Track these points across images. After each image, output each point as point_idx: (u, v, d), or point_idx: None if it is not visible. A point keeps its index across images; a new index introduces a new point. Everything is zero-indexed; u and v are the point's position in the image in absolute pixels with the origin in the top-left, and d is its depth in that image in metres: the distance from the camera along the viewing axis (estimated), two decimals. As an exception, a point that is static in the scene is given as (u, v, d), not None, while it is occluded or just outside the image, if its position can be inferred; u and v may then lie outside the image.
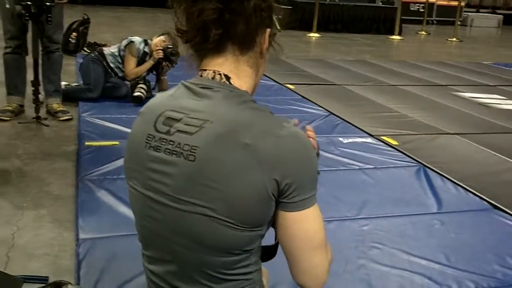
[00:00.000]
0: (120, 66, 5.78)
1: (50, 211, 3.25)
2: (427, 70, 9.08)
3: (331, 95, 6.70)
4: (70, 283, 1.96)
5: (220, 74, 1.40)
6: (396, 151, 4.62)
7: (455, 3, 16.71)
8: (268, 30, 1.45)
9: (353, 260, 2.83)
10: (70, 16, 8.50)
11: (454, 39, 14.60)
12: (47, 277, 2.42)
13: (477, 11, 21.93)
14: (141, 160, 1.42)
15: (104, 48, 5.97)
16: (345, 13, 15.30)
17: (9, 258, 2.71)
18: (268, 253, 1.56)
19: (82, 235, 2.89)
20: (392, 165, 4.27)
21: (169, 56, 5.63)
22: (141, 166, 1.42)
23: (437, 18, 19.70)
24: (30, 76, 4.96)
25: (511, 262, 2.91)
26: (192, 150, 1.32)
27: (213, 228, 1.33)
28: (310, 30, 13.75)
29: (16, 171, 3.84)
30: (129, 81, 5.79)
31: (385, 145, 4.77)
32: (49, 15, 4.61)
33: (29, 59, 4.96)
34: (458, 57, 11.25)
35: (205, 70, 1.42)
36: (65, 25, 7.54)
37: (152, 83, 5.86)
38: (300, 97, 6.48)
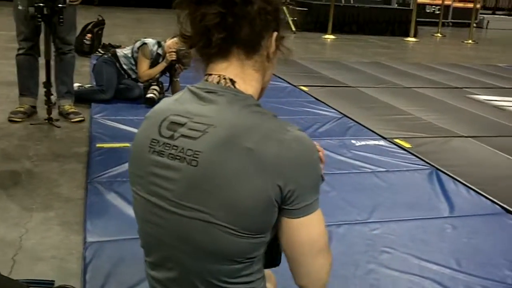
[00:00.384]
0: (133, 67, 5.77)
1: (58, 214, 3.25)
2: (442, 72, 9.01)
3: (345, 97, 6.66)
4: (74, 288, 1.95)
5: (225, 79, 1.39)
6: (409, 154, 4.57)
7: (471, 5, 16.63)
8: (275, 33, 1.42)
9: (362, 264, 2.79)
10: (86, 18, 8.56)
11: (470, 41, 14.50)
12: (53, 281, 2.41)
13: (493, 13, 21.80)
14: (145, 165, 1.41)
15: (117, 50, 5.97)
16: (360, 15, 15.24)
17: (16, 261, 2.70)
18: (271, 260, 1.54)
19: (89, 238, 2.88)
20: (404, 168, 4.23)
21: (182, 58, 5.62)
22: (145, 171, 1.41)
23: (452, 20, 19.56)
24: (42, 77, 4.96)
25: (523, 268, 2.86)
26: (195, 155, 1.31)
27: (215, 235, 1.31)
28: (325, 31, 13.73)
29: (26, 173, 3.84)
30: (142, 82, 5.79)
31: (398, 148, 4.73)
32: (61, 16, 4.62)
33: (42, 61, 4.97)
34: (473, 59, 11.15)
35: (210, 74, 1.41)
36: (80, 27, 7.61)
37: (165, 85, 5.85)
38: (314, 99, 6.45)
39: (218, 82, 1.39)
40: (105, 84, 5.66)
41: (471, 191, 3.83)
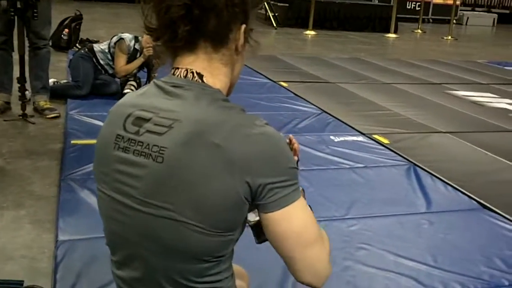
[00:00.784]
0: (110, 63, 5.71)
1: (30, 212, 3.19)
2: (422, 68, 9.03)
3: (324, 93, 6.64)
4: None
5: (192, 72, 1.34)
6: (387, 149, 4.56)
7: (451, 1, 16.68)
8: (244, 26, 1.38)
9: (339, 261, 2.76)
10: (64, 13, 8.47)
11: (450, 37, 14.56)
12: (22, 281, 2.36)
13: (473, 10, 21.94)
14: (110, 162, 1.36)
15: (94, 45, 5.90)
16: (341, 11, 15.25)
17: (-15, 260, 2.65)
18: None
19: (61, 237, 2.83)
20: (382, 164, 4.21)
21: (160, 53, 5.56)
22: (110, 168, 1.36)
23: (432, 17, 19.64)
24: (17, 73, 4.88)
25: (499, 263, 2.86)
26: (161, 151, 1.26)
27: (182, 233, 1.27)
28: (306, 27, 13.70)
29: (-2, 170, 3.78)
30: (119, 78, 5.73)
31: (376, 143, 4.72)
32: (35, 10, 4.54)
33: (16, 56, 4.89)
34: (453, 55, 11.19)
35: (177, 68, 1.36)
36: (57, 21, 7.52)
37: (143, 80, 5.79)
38: (293, 94, 6.42)
39: (185, 76, 1.34)
40: (81, 80, 5.59)
41: (449, 187, 3.82)
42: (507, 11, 22.77)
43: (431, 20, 19.55)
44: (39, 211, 3.21)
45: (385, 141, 4.77)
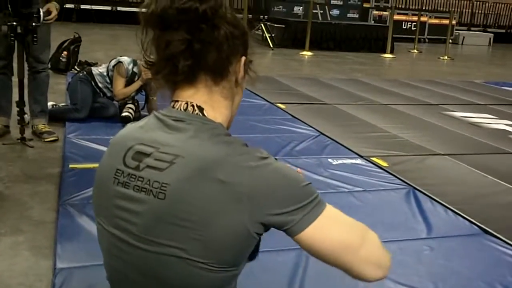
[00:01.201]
0: (109, 86, 5.71)
1: (28, 238, 3.16)
2: (419, 88, 9.06)
3: (322, 114, 6.65)
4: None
5: (193, 106, 1.33)
6: (386, 173, 4.55)
7: (447, 21, 16.79)
8: (244, 58, 1.38)
9: (338, 288, 2.74)
10: (64, 34, 8.51)
11: (446, 57, 14.64)
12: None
13: (468, 29, 22.08)
14: (109, 197, 1.34)
15: (92, 68, 5.91)
16: (337, 31, 15.34)
17: (-18, 288, 2.63)
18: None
19: (59, 264, 2.80)
20: (381, 188, 4.20)
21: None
22: (109, 202, 1.34)
23: (428, 36, 19.80)
24: (16, 96, 4.88)
25: (501, 290, 2.84)
26: (162, 188, 1.25)
27: (185, 270, 1.25)
28: (302, 48, 13.77)
29: (-3, 195, 3.76)
30: (117, 101, 5.73)
31: (375, 166, 4.71)
32: (35, 35, 4.56)
33: (15, 79, 4.89)
34: (449, 75, 11.24)
35: (177, 101, 1.35)
36: (56, 44, 7.54)
37: (141, 103, 5.79)
38: (291, 116, 6.43)
39: (185, 109, 1.33)
40: (79, 103, 5.59)
41: (449, 211, 3.80)
42: (503, 30, 22.95)
43: (427, 40, 19.70)
44: (37, 237, 3.18)
45: (384, 164, 4.76)
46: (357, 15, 18.25)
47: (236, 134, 1.37)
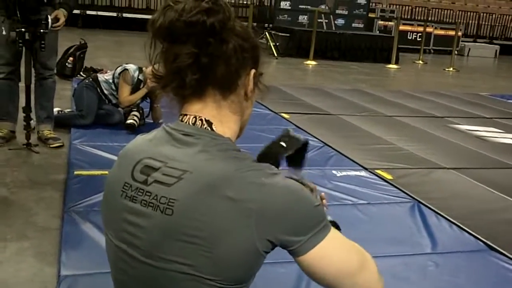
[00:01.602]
0: (114, 93, 5.73)
1: (33, 244, 3.17)
2: (424, 100, 9.05)
3: (326, 125, 6.65)
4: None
5: (201, 120, 1.33)
6: (391, 185, 4.54)
7: (453, 32, 16.79)
8: (253, 71, 1.37)
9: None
10: (69, 40, 8.53)
11: (451, 68, 14.62)
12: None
13: (474, 41, 22.05)
14: (117, 210, 1.34)
15: (98, 75, 5.93)
16: (342, 41, 15.35)
17: (-13, 295, 2.63)
18: None
19: (64, 272, 2.80)
20: (386, 201, 4.19)
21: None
22: (117, 216, 1.34)
23: (434, 47, 19.77)
24: (22, 102, 4.90)
25: (506, 308, 2.83)
26: (170, 204, 1.24)
27: (192, 287, 1.24)
28: (307, 57, 13.78)
29: (2, 200, 3.77)
30: (122, 108, 5.74)
31: (379, 179, 4.70)
32: (43, 42, 4.58)
33: (22, 85, 4.91)
34: (454, 87, 11.23)
35: (186, 115, 1.35)
36: (62, 49, 7.56)
37: (146, 111, 5.80)
38: (295, 126, 6.42)
39: (194, 123, 1.32)
40: (85, 110, 5.61)
41: (454, 226, 3.79)
42: (510, 42, 22.87)
43: (432, 51, 19.68)
44: (42, 243, 3.18)
45: (388, 176, 4.75)
46: (362, 25, 18.25)
47: (239, 144, 1.37)
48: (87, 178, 4.15)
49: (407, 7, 22.18)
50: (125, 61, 6.34)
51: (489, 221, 3.97)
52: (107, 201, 1.40)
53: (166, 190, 1.25)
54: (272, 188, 1.24)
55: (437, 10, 22.57)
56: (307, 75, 12.41)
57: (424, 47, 17.10)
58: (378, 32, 18.76)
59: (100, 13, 17.92)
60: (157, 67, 1.34)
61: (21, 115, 4.91)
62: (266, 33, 14.71)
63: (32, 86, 4.91)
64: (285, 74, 11.31)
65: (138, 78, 5.67)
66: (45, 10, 4.67)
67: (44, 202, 3.79)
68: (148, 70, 5.52)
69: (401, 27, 17.12)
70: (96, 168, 4.33)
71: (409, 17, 21.35)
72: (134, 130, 5.45)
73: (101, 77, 5.81)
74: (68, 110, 5.95)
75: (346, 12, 18.13)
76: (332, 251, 1.28)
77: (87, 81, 5.84)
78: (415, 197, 4.26)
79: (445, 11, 22.67)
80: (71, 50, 8.26)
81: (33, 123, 4.99)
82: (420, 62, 15.99)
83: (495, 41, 22.57)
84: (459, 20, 20.64)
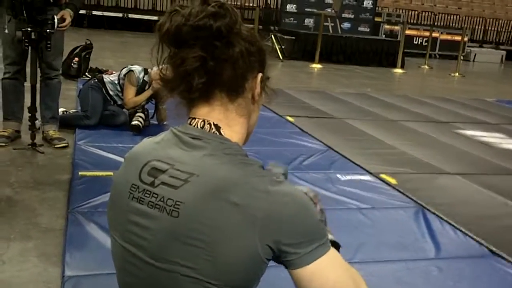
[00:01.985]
0: (119, 94, 5.74)
1: (37, 244, 3.17)
2: (429, 105, 9.04)
3: (330, 129, 6.64)
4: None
5: (210, 124, 1.33)
6: (395, 190, 4.53)
7: (459, 37, 16.78)
8: (260, 74, 1.37)
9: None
10: (75, 40, 8.55)
11: (457, 74, 14.59)
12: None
13: (480, 46, 22.01)
14: (124, 211, 1.35)
15: (104, 76, 5.94)
16: (347, 45, 15.34)
17: (-10, 295, 2.63)
18: None
19: (68, 272, 2.80)
20: (390, 206, 4.18)
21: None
22: (123, 217, 1.35)
23: (440, 52, 19.77)
24: (28, 101, 4.91)
25: (510, 316, 2.82)
26: (176, 206, 1.24)
27: None
28: (312, 60, 13.78)
29: (6, 200, 3.77)
30: (127, 109, 5.74)
31: (384, 183, 4.69)
32: (49, 42, 4.59)
33: (28, 85, 4.92)
34: (460, 92, 11.21)
35: (194, 118, 1.35)
36: (68, 49, 7.57)
37: (151, 112, 5.81)
38: (299, 130, 6.43)
39: (202, 127, 1.33)
40: (90, 110, 5.62)
41: (458, 231, 3.78)
42: (517, 48, 22.82)
43: (438, 56, 19.67)
44: (46, 244, 3.18)
45: (393, 181, 4.74)
46: (368, 29, 18.26)
47: (244, 146, 1.38)
48: (91, 179, 4.15)
49: (413, 11, 22.16)
50: (131, 62, 6.35)
51: (493, 227, 3.96)
52: (113, 203, 1.41)
53: (173, 192, 1.26)
54: (277, 196, 1.24)
55: (443, 15, 22.56)
56: (312, 78, 12.41)
57: (430, 52, 17.08)
58: (384, 36, 18.75)
59: (106, 13, 17.98)
60: (164, 70, 1.35)
61: (26, 115, 4.91)
62: (272, 36, 14.73)
63: (38, 86, 4.91)
64: (290, 77, 11.31)
65: (143, 80, 5.68)
66: (52, 10, 4.68)
67: (47, 202, 3.79)
68: (154, 72, 5.57)
69: (407, 32, 17.11)
70: (101, 169, 4.34)
71: (415, 21, 21.34)
72: (139, 131, 5.46)
73: (106, 78, 5.82)
74: (73, 110, 5.96)
75: (352, 16, 18.16)
76: (330, 270, 1.27)
77: (92, 81, 5.85)
78: (419, 202, 4.25)
79: (452, 16, 22.65)
80: (77, 51, 8.28)
81: (38, 123, 5.00)
82: (426, 67, 15.97)
83: (501, 47, 22.53)
84: (465, 25, 20.63)
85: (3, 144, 4.85)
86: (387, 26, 19.62)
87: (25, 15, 4.50)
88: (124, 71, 5.70)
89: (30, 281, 2.78)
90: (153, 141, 1.40)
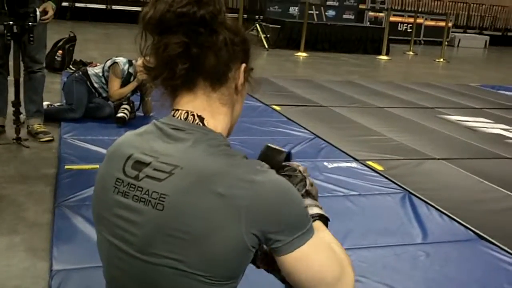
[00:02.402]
0: (104, 86, 5.71)
1: (24, 239, 3.16)
2: (414, 91, 9.07)
3: (317, 117, 6.65)
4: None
5: (193, 115, 1.32)
6: (381, 176, 4.55)
7: (443, 23, 16.81)
8: (244, 65, 1.37)
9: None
10: (58, 33, 8.49)
11: (442, 59, 14.65)
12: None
13: (465, 32, 22.11)
14: (109, 206, 1.33)
15: (88, 68, 5.90)
16: (332, 32, 15.33)
17: (-22, 291, 2.62)
18: None
19: (56, 266, 2.80)
20: (377, 192, 4.21)
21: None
22: (109, 212, 1.33)
23: (424, 38, 19.83)
24: (12, 96, 4.87)
25: (496, 297, 2.85)
26: (161, 199, 1.24)
27: (184, 282, 1.24)
28: (298, 49, 13.76)
29: (-8, 196, 3.75)
30: (112, 101, 5.72)
31: (370, 170, 4.71)
32: (31, 35, 4.54)
33: (11, 79, 4.88)
34: (445, 78, 11.26)
35: (177, 110, 1.34)
36: (51, 42, 7.52)
37: (136, 104, 5.79)
38: (286, 119, 6.43)
39: (185, 119, 1.32)
40: (75, 103, 5.59)
41: (444, 216, 3.81)
42: (499, 33, 22.98)
43: (422, 42, 19.72)
44: (34, 238, 3.18)
45: (379, 167, 4.76)
46: (353, 16, 18.26)
47: (230, 136, 1.38)
48: (77, 172, 4.14)
49: (397, -2, 22.18)
50: (115, 53, 6.31)
51: (479, 211, 4.00)
52: (98, 197, 1.40)
53: (157, 185, 1.25)
54: (261, 185, 1.24)
55: (427, 1, 22.57)
56: (298, 66, 12.40)
57: (415, 38, 17.14)
58: (368, 23, 18.76)
59: (89, 5, 17.80)
60: (148, 59, 1.34)
61: (10, 109, 4.88)
62: (257, 24, 14.69)
63: (21, 80, 4.87)
64: (275, 66, 11.29)
65: (128, 71, 5.65)
66: (33, 3, 4.62)
67: (34, 197, 3.78)
68: (139, 62, 5.53)
69: (392, 18, 17.13)
70: (87, 162, 4.32)
71: (399, 8, 21.34)
72: (125, 124, 5.44)
73: (90, 70, 5.78)
74: (58, 103, 5.92)
75: (336, 4, 18.15)
76: (315, 256, 1.27)
77: (76, 74, 5.81)
78: (406, 188, 4.28)
79: (436, 2, 22.68)
80: (60, 43, 8.20)
81: (22, 117, 4.97)
82: (411, 53, 16.01)
83: (485, 32, 22.64)
84: (449, 11, 20.67)
85: (-12, 139, 4.82)
86: (371, 13, 19.63)
87: (6, 8, 4.45)
88: (109, 63, 5.66)
89: (17, 277, 2.77)
90: (136, 134, 1.39)
